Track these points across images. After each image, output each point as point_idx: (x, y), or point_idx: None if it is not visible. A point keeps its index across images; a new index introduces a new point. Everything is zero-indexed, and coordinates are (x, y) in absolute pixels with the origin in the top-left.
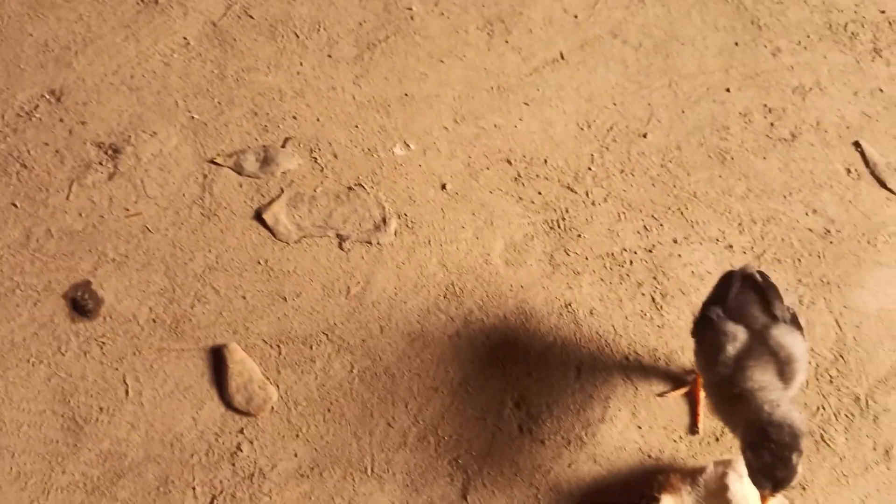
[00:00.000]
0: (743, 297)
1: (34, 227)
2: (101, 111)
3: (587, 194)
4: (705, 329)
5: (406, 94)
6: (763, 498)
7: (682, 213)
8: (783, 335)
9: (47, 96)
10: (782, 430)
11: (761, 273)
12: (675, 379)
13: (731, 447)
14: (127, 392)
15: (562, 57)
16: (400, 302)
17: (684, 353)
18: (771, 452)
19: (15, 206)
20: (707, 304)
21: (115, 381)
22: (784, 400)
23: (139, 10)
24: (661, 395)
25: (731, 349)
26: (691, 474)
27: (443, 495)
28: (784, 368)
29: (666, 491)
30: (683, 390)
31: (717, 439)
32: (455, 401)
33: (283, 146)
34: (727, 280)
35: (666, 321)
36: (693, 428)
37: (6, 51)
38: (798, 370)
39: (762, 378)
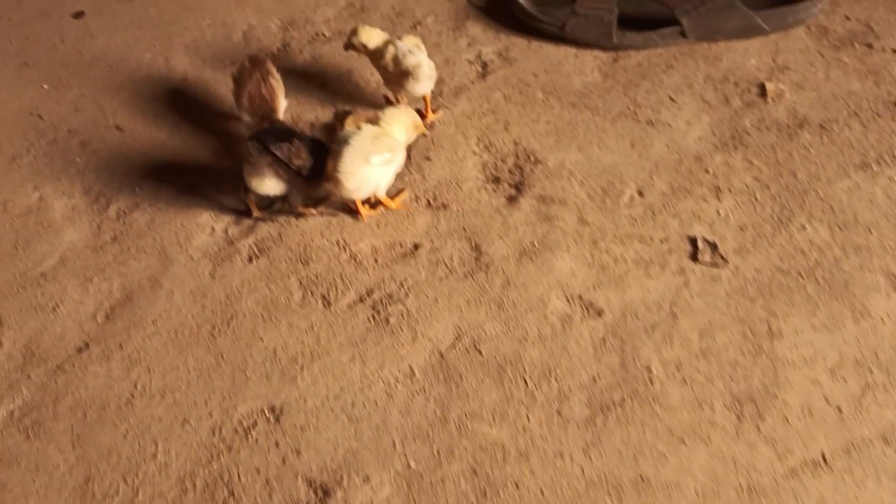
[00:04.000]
0: None
1: None
2: (318, 440)
3: None
4: None
5: (641, 478)
6: None
7: None
8: None
9: (267, 413)
10: None
11: None
12: None
13: None
14: None
15: (824, 460)
16: None
17: None
18: None
19: None
20: None
21: None
22: None
23: (369, 327)
24: None
25: None
26: None
27: None
28: None
29: None
30: None
31: None
32: None
33: None
34: None
35: None
36: None
37: (236, 354)
38: None
39: None
